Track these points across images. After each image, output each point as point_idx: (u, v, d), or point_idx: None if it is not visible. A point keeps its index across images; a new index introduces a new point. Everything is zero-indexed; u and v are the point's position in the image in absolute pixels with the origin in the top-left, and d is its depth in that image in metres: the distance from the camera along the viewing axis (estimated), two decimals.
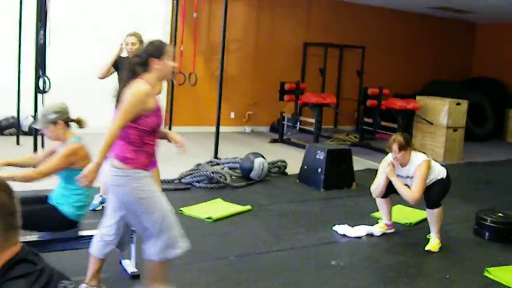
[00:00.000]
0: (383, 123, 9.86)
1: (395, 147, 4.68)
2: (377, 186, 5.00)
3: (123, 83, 4.24)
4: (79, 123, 3.84)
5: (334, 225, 5.25)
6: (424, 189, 4.76)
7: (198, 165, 7.06)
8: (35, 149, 6.97)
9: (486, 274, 4.34)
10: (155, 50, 3.17)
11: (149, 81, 3.16)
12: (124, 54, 5.32)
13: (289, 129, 10.88)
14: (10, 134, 8.89)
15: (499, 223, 5.20)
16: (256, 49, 11.26)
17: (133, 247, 3.94)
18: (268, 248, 4.61)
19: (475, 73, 14.26)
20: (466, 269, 4.48)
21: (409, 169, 4.76)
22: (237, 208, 5.63)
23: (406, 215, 5.69)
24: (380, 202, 5.14)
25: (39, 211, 3.56)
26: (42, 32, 6.68)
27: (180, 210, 5.39)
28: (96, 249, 3.46)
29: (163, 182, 6.20)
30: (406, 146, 4.69)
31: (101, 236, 3.45)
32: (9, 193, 1.49)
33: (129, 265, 3.96)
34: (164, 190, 5.74)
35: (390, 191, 4.98)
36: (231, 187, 6.51)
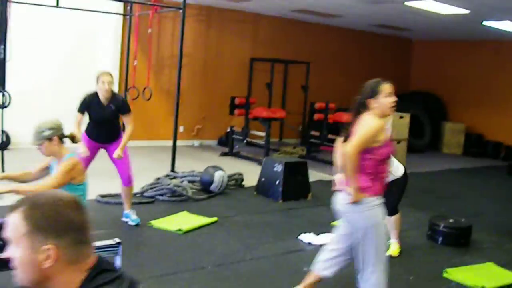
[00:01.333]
0: (329, 136, 10.24)
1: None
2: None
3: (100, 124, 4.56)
4: (73, 138, 3.95)
5: (299, 234, 5.52)
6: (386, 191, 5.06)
7: (158, 178, 7.19)
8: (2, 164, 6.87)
9: (445, 275, 4.71)
10: (370, 92, 3.50)
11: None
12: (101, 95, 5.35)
13: (237, 142, 11.12)
14: None
15: (451, 228, 5.62)
16: (204, 64, 11.47)
17: (118, 260, 4.05)
18: (241, 257, 4.82)
19: (412, 87, 14.95)
20: (427, 271, 4.84)
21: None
22: (204, 220, 5.81)
23: None
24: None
25: None
26: (2, 46, 6.65)
27: (149, 223, 5.54)
28: (318, 268, 3.81)
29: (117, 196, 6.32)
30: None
31: (325, 257, 3.77)
32: (77, 209, 1.57)
33: None
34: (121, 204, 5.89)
35: None
36: (193, 200, 6.67)
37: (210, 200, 6.79)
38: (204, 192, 7.03)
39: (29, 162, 7.48)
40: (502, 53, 13.30)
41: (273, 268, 4.63)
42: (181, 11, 8.01)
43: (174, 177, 7.53)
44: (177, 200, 6.59)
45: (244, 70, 12.01)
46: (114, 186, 6.12)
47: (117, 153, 5.25)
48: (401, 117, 9.82)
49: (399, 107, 10.99)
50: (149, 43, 9.79)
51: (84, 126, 5.51)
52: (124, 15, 9.93)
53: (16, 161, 7.21)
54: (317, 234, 5.49)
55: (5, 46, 6.72)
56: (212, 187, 7.01)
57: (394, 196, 5.12)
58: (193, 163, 8.67)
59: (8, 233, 1.51)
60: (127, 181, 5.50)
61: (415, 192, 8.14)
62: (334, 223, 6.00)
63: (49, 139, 3.70)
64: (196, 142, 11.53)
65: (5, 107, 6.84)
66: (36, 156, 7.90)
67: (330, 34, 13.25)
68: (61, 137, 3.79)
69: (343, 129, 3.72)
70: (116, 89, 10.23)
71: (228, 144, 11.03)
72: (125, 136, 5.40)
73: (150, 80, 10.12)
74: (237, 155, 10.31)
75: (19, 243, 1.49)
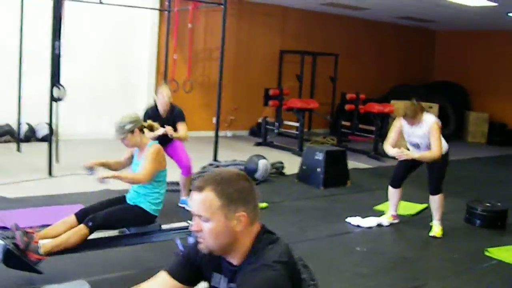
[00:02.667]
0: (360, 125, 10.63)
1: (408, 117, 5.32)
2: (391, 142, 5.61)
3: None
4: (151, 127, 4.38)
5: (346, 217, 5.93)
6: (428, 173, 5.53)
7: (204, 167, 7.61)
8: (50, 155, 7.29)
9: (486, 253, 5.10)
10: None
11: None
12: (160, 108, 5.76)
13: (269, 132, 11.52)
14: (5, 142, 9.19)
15: (488, 212, 6.01)
16: (236, 57, 11.85)
17: (191, 240, 4.47)
18: (299, 238, 5.23)
19: (436, 77, 15.27)
20: (468, 250, 5.24)
21: (422, 126, 5.34)
22: None
23: (405, 207, 6.38)
24: (392, 192, 5.81)
25: (123, 210, 4.08)
26: (57, 43, 7.06)
27: None
28: None
29: (177, 184, 6.75)
30: (416, 114, 5.30)
31: None
32: (249, 180, 1.97)
33: None
34: (176, 191, 6.33)
35: (405, 177, 5.69)
36: None
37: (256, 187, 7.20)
38: None
39: (74, 153, 8.03)
40: None
41: (329, 248, 5.05)
42: (221, 6, 8.38)
43: (217, 166, 7.95)
44: None
45: (274, 62, 12.40)
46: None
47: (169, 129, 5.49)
48: (430, 107, 10.18)
49: (424, 97, 11.36)
50: (190, 38, 10.18)
51: None
52: (163, 10, 10.32)
53: (62, 153, 7.62)
54: (363, 217, 5.89)
55: (59, 42, 7.13)
56: (257, 175, 7.42)
57: (437, 174, 5.52)
58: (230, 153, 9.06)
59: (201, 210, 1.88)
60: (187, 172, 5.93)
61: (447, 179, 8.53)
62: (376, 207, 6.45)
63: (131, 131, 4.10)
64: (229, 133, 11.94)
65: (60, 100, 7.27)
66: (80, 147, 8.40)
67: (357, 27, 13.60)
68: (141, 128, 4.20)
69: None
70: (153, 81, 10.70)
71: (259, 134, 11.46)
72: (179, 133, 5.73)
73: (183, 73, 10.52)
74: (270, 144, 10.71)
75: (214, 216, 1.87)
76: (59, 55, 7.07)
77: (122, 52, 10.43)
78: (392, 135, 5.59)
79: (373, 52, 14.10)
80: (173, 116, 5.77)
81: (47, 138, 9.43)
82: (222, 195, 1.87)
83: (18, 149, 8.62)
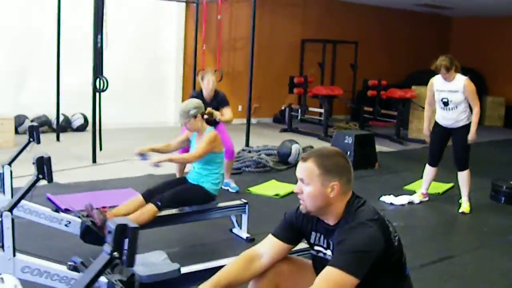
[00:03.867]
0: (382, 111, 11.01)
1: (443, 69, 5.66)
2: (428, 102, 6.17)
3: None
4: (211, 115, 4.77)
5: (379, 197, 6.32)
6: (454, 148, 5.98)
7: (238, 153, 8.00)
8: (94, 143, 7.68)
9: None
10: None
11: None
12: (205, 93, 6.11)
13: (293, 119, 11.90)
14: (43, 132, 9.61)
15: None
16: (258, 47, 12.18)
17: (244, 217, 4.87)
18: None
19: None
20: (496, 224, 5.62)
21: (456, 84, 5.74)
22: (294, 186, 6.61)
23: (433, 187, 6.72)
24: (429, 171, 6.20)
25: (188, 190, 4.50)
26: (99, 36, 7.44)
27: (248, 190, 6.38)
28: None
29: None
30: (451, 66, 5.66)
31: None
32: (346, 158, 2.44)
33: (242, 232, 4.88)
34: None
35: (442, 152, 6.13)
36: (275, 170, 7.50)
37: (289, 170, 7.59)
38: (282, 164, 7.83)
39: (112, 142, 8.44)
40: None
41: None
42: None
43: (249, 151, 8.34)
44: (261, 171, 7.42)
45: (295, 51, 12.77)
46: None
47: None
48: None
49: None
50: (219, 29, 10.53)
51: None
52: (191, 2, 10.69)
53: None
54: (396, 196, 6.29)
55: (102, 35, 7.51)
56: (290, 159, 7.82)
57: (462, 150, 5.90)
58: (258, 139, 9.44)
59: (304, 175, 2.36)
60: (230, 156, 6.32)
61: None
62: (406, 187, 6.84)
63: (194, 116, 4.52)
64: (254, 120, 12.31)
65: (103, 91, 7.66)
66: (115, 136, 8.73)
67: (375, 14, 13.93)
68: (203, 114, 4.61)
69: None
70: (181, 73, 11.09)
71: (283, 121, 11.86)
72: (225, 117, 6.14)
73: (209, 63, 10.88)
74: (295, 131, 11.10)
75: (313, 182, 2.34)
76: (101, 48, 7.44)
77: (151, 44, 10.84)
78: (428, 95, 6.11)
79: (391, 39, 14.43)
80: (217, 101, 6.15)
81: (82, 128, 9.96)
82: (321, 166, 2.33)
83: (58, 139, 9.04)
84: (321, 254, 2.46)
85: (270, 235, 2.57)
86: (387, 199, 6.24)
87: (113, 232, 1.74)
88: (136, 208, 4.30)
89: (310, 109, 11.42)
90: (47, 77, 9.03)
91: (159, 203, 4.24)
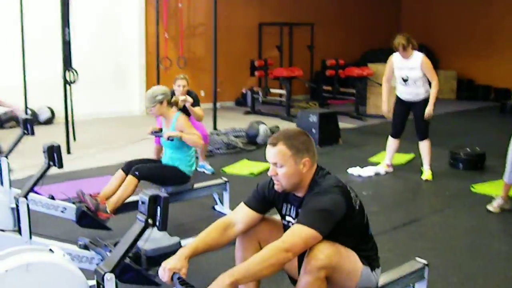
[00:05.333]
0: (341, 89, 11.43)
1: (400, 47, 6.07)
2: (385, 79, 6.55)
3: None
4: (176, 103, 4.98)
5: (347, 169, 6.71)
6: (415, 120, 6.36)
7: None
8: (67, 135, 7.81)
9: (472, 189, 5.94)
10: None
11: None
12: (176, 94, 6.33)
13: (255, 101, 12.21)
14: (10, 127, 9.64)
15: (470, 155, 6.87)
16: (217, 32, 12.42)
17: (226, 194, 5.17)
18: None
19: None
20: (457, 188, 6.07)
21: (414, 61, 6.15)
22: (266, 164, 6.95)
23: (395, 158, 7.13)
24: (392, 142, 6.60)
25: (164, 167, 4.74)
26: (67, 29, 7.56)
27: (223, 170, 6.67)
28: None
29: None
30: (408, 44, 6.07)
31: None
32: (308, 134, 2.71)
33: (224, 209, 5.18)
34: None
35: (403, 125, 6.53)
36: (245, 151, 7.81)
37: (259, 150, 7.92)
38: (251, 144, 8.14)
39: (81, 133, 8.58)
40: (488, 1, 14.44)
41: None
42: None
43: (218, 134, 8.62)
44: (232, 152, 7.72)
45: (253, 34, 13.04)
46: None
47: None
48: None
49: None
50: (181, 16, 10.72)
51: None
52: None
53: (61, 135, 7.94)
54: (362, 168, 6.69)
55: (69, 29, 7.64)
56: (258, 139, 8.13)
57: (422, 122, 6.30)
58: (224, 122, 9.72)
59: (277, 159, 2.58)
60: (205, 139, 6.58)
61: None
62: (371, 159, 7.25)
63: (160, 102, 4.71)
64: (217, 104, 12.55)
65: (73, 83, 7.80)
66: (83, 128, 8.82)
67: None
68: (169, 101, 4.82)
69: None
70: (144, 61, 11.24)
71: (244, 104, 12.16)
72: (198, 112, 6.39)
73: (172, 50, 11.08)
74: (258, 112, 11.42)
75: (287, 162, 2.57)
76: (69, 40, 7.58)
77: (113, 34, 10.94)
78: (386, 72, 6.47)
79: (345, 20, 14.86)
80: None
81: (49, 121, 10.03)
82: (291, 147, 2.58)
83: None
84: (290, 224, 2.70)
85: (242, 204, 2.82)
86: (354, 171, 6.64)
87: (147, 202, 2.02)
88: (119, 183, 4.50)
89: (272, 90, 11.75)
90: (13, 71, 9.08)
91: (137, 173, 4.43)
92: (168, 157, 4.81)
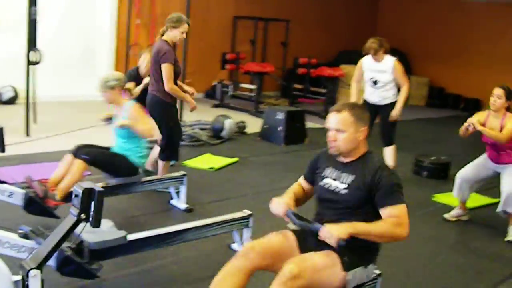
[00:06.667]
0: (311, 88, 11.35)
1: (372, 50, 6.06)
2: (355, 79, 6.53)
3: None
4: (130, 91, 4.80)
5: None
6: (381, 124, 6.34)
7: None
8: (27, 117, 7.58)
9: (433, 199, 5.89)
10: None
11: None
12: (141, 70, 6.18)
13: (224, 95, 12.05)
14: None
15: (434, 164, 6.84)
16: (191, 23, 12.24)
17: (183, 188, 5.04)
18: (271, 187, 5.87)
19: None
20: (418, 197, 6.02)
21: (385, 64, 6.16)
22: (228, 160, 6.83)
23: None
24: None
25: (115, 156, 4.54)
26: (34, 8, 7.32)
27: (183, 163, 6.53)
28: None
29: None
30: (380, 48, 6.08)
31: None
32: (366, 110, 3.04)
33: (180, 203, 5.04)
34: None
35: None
36: (209, 144, 7.68)
37: (223, 145, 7.80)
38: (215, 138, 8.00)
39: (44, 115, 8.35)
40: (461, 9, 14.51)
41: None
42: None
43: (183, 126, 8.46)
44: (195, 145, 7.58)
45: (227, 27, 12.88)
46: None
47: None
48: None
49: None
50: (153, 4, 10.50)
51: None
52: None
53: (22, 116, 7.72)
54: None
55: (36, 7, 7.40)
56: (223, 134, 8.00)
57: (389, 126, 6.25)
58: (192, 114, 9.53)
59: (339, 125, 2.80)
60: None
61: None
62: None
63: (112, 88, 4.53)
64: None
65: (37, 63, 7.57)
66: (48, 110, 8.58)
67: None
68: (122, 87, 4.64)
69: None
70: (114, 46, 11.01)
71: (214, 97, 12.01)
72: None
73: (145, 37, 10.86)
74: (227, 106, 11.27)
75: (348, 128, 2.80)
76: (35, 20, 7.34)
77: (83, 17, 10.67)
78: (356, 73, 6.46)
79: (322, 19, 14.75)
80: None
81: (12, 101, 9.76)
82: (354, 115, 2.82)
83: None
84: (327, 186, 2.90)
85: (301, 178, 3.17)
86: None
87: (80, 196, 1.88)
88: (69, 168, 4.32)
89: (242, 85, 11.62)
90: None
91: (85, 157, 4.26)
92: (119, 147, 4.64)
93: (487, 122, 4.97)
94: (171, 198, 5.12)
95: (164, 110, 5.24)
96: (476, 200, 5.82)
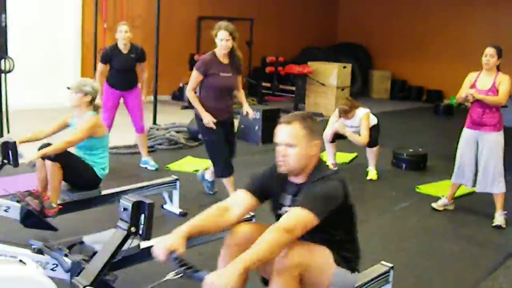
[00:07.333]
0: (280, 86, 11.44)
1: (342, 114, 6.27)
2: (327, 134, 6.49)
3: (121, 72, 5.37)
4: (96, 107, 4.65)
5: None
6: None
7: (148, 131, 8.05)
8: (1, 126, 7.44)
9: (417, 190, 6.04)
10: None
11: None
12: (120, 44, 6.16)
13: None
14: None
15: (412, 156, 7.00)
16: (155, 24, 12.16)
17: (176, 193, 5.03)
18: None
19: (340, 39, 16.30)
20: (402, 188, 6.16)
21: (355, 120, 6.32)
22: (208, 161, 6.81)
23: (339, 157, 7.19)
24: (329, 147, 6.63)
25: (81, 161, 4.41)
26: (3, 15, 7.17)
27: (166, 167, 6.51)
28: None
29: (129, 147, 7.25)
30: (350, 110, 6.28)
31: None
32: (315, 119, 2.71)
33: (174, 207, 5.03)
34: (134, 154, 6.87)
35: (336, 137, 6.51)
36: (188, 147, 7.66)
37: (201, 147, 7.74)
38: (192, 140, 7.99)
39: (16, 124, 8.18)
40: (419, 3, 14.81)
41: None
42: None
43: (158, 129, 8.42)
44: (174, 148, 7.56)
45: (192, 28, 12.85)
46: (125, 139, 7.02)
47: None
48: (344, 67, 11.08)
49: (330, 58, 12.31)
50: (121, 7, 10.39)
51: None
52: None
53: None
54: None
55: (5, 14, 7.25)
56: (200, 136, 7.97)
57: (374, 134, 6.40)
58: (161, 116, 9.48)
59: (290, 138, 2.55)
60: (141, 129, 6.42)
61: None
62: None
63: (85, 93, 4.46)
64: (152, 98, 12.29)
65: (10, 71, 7.42)
66: (16, 118, 8.39)
67: None
68: (93, 99, 4.54)
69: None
70: (79, 51, 10.86)
71: (181, 98, 11.97)
72: (145, 82, 6.57)
73: (110, 41, 10.73)
74: None
75: (300, 142, 2.55)
76: (5, 27, 7.19)
77: (48, 24, 10.50)
78: (328, 130, 6.55)
79: (284, 17, 14.86)
80: (137, 54, 6.32)
81: None
82: (306, 127, 2.57)
83: None
84: (283, 213, 2.61)
85: (241, 191, 2.74)
86: None
87: (130, 209, 1.88)
88: (46, 171, 4.18)
89: None
90: None
91: (52, 157, 4.10)
92: (80, 156, 4.51)
93: (478, 80, 5.09)
94: (165, 203, 5.11)
95: (198, 123, 5.22)
96: (459, 189, 5.98)
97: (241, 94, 5.50)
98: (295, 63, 12.09)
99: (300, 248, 2.44)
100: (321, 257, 2.54)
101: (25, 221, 4.06)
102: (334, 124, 6.43)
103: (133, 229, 1.90)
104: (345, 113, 6.29)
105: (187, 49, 12.10)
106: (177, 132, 8.19)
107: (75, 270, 2.96)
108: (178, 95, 12.42)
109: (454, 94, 13.80)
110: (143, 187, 4.80)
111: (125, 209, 1.89)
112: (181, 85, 12.27)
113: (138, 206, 1.89)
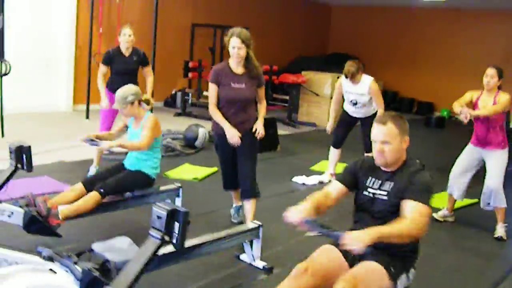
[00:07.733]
0: (274, 95, 11.44)
1: (349, 74, 6.16)
2: (335, 101, 6.68)
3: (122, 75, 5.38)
4: (148, 102, 4.81)
5: (292, 177, 6.68)
6: (364, 134, 6.43)
7: None
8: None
9: None
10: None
11: None
12: (123, 47, 6.14)
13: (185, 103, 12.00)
14: None
15: None
16: (148, 30, 12.13)
17: (178, 200, 5.00)
18: None
19: (331, 49, 16.37)
20: None
21: (361, 86, 6.25)
22: (208, 170, 6.82)
23: (339, 167, 7.21)
24: (333, 153, 6.64)
25: (129, 176, 4.55)
26: (0, 17, 7.12)
27: (165, 174, 6.47)
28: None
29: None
30: (357, 72, 6.17)
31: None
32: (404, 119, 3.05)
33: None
34: None
35: (345, 137, 6.66)
36: (185, 154, 7.63)
37: (198, 154, 7.77)
38: (189, 148, 7.97)
39: (10, 128, 8.11)
40: (412, 16, 14.93)
41: (286, 203, 5.67)
42: None
43: None
44: (171, 155, 7.53)
45: (186, 35, 12.84)
46: None
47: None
48: (338, 77, 11.08)
49: (321, 67, 12.34)
50: (118, 12, 10.35)
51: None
52: None
53: None
54: (307, 176, 6.69)
55: (3, 16, 7.21)
56: (197, 143, 7.98)
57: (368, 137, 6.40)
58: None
59: (386, 137, 2.91)
60: None
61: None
62: (312, 167, 7.26)
63: (132, 103, 4.55)
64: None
65: (6, 74, 7.36)
66: (11, 122, 8.31)
67: (263, 1, 14.30)
68: (140, 101, 4.65)
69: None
70: (73, 56, 10.80)
71: (174, 105, 11.96)
72: (149, 86, 6.42)
73: (105, 45, 10.70)
74: (190, 114, 11.23)
75: (394, 140, 2.91)
76: (2, 30, 7.14)
77: (41, 25, 10.43)
78: (335, 94, 6.60)
79: (278, 26, 14.91)
80: (138, 57, 6.30)
81: None
82: (398, 126, 2.94)
83: None
84: (370, 195, 3.02)
85: (335, 181, 3.21)
86: (299, 179, 6.64)
87: (164, 218, 1.86)
88: (77, 196, 4.29)
89: (205, 93, 11.58)
90: None
91: (102, 190, 4.27)
92: (134, 158, 4.66)
93: (480, 100, 5.14)
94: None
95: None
96: (458, 202, 6.00)
97: (260, 108, 5.06)
98: (289, 71, 12.13)
99: (357, 285, 2.65)
100: (376, 282, 2.77)
101: (28, 227, 4.01)
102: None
103: (166, 238, 1.88)
104: (352, 76, 6.13)
105: (180, 56, 12.09)
106: (174, 139, 8.17)
107: (86, 278, 2.93)
108: (171, 102, 12.40)
109: (445, 106, 14.00)
110: (146, 195, 4.77)
111: (159, 217, 1.87)
112: (174, 92, 12.26)
113: (172, 215, 1.87)
